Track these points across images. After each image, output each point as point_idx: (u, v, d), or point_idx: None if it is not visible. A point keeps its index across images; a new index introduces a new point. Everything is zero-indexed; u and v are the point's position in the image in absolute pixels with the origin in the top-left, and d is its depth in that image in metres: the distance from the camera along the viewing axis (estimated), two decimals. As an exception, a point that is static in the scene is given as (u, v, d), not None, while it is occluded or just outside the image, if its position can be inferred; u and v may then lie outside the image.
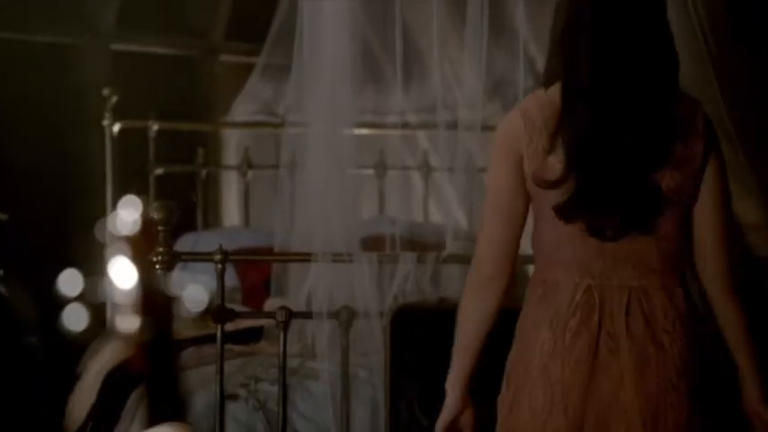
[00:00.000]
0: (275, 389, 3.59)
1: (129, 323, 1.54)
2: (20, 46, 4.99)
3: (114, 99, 5.12)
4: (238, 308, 4.17)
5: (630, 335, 2.64)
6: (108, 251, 1.54)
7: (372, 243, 3.98)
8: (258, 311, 4.20)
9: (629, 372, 2.64)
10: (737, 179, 3.98)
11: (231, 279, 4.60)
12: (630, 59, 2.60)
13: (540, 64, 4.50)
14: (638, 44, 2.61)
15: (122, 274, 1.52)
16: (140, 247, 1.54)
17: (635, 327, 2.65)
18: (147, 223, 1.55)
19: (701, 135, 2.66)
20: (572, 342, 2.64)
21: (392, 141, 5.35)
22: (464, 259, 3.72)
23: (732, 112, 3.88)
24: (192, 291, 1.62)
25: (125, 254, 1.53)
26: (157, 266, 3.38)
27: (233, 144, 5.63)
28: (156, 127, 5.25)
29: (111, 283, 1.54)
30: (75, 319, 1.54)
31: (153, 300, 1.54)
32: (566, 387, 2.64)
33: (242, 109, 5.38)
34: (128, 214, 1.55)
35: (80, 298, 1.59)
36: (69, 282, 1.58)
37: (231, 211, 5.69)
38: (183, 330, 4.01)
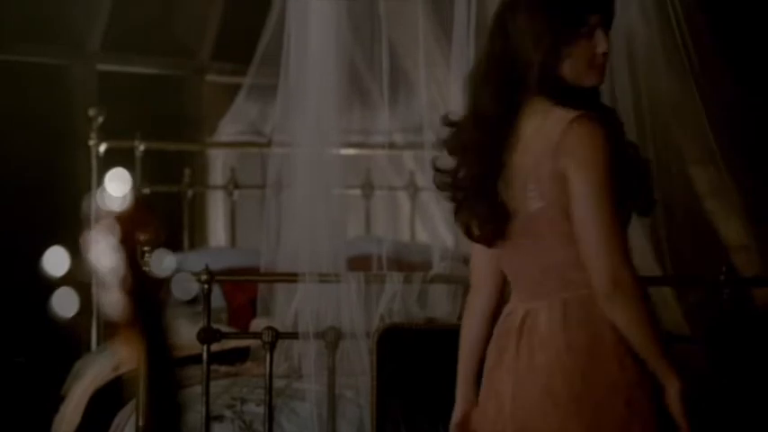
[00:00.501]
0: (261, 410, 3.58)
1: (116, 305, 1.43)
2: (5, 66, 4.99)
3: (100, 119, 5.11)
4: (224, 328, 4.16)
5: (516, 357, 2.75)
6: (93, 229, 1.42)
7: (358, 263, 3.97)
8: (244, 332, 4.19)
9: (507, 395, 2.74)
10: (722, 199, 3.99)
11: (217, 299, 4.59)
12: (481, 85, 2.79)
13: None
14: (488, 71, 2.78)
15: (108, 253, 1.41)
16: (129, 226, 1.43)
17: (521, 348, 2.74)
18: (137, 200, 1.43)
19: (558, 153, 2.68)
20: (487, 366, 2.83)
21: (379, 161, 5.36)
22: (451, 279, 3.73)
23: (716, 129, 3.89)
24: (182, 278, 1.51)
25: (112, 232, 1.41)
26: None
27: (219, 164, 5.63)
28: (142, 147, 5.24)
29: (96, 264, 1.42)
30: (64, 303, 1.43)
31: (142, 281, 1.44)
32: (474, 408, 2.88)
33: (229, 129, 5.38)
34: (116, 189, 1.43)
35: (66, 282, 1.47)
36: (55, 265, 1.46)
37: (217, 231, 5.68)
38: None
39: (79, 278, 1.42)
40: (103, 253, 1.40)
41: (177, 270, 1.48)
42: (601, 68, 2.76)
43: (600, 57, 2.74)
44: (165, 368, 1.48)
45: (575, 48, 2.74)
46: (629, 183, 2.75)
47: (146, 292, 1.42)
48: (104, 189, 1.43)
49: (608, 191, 2.68)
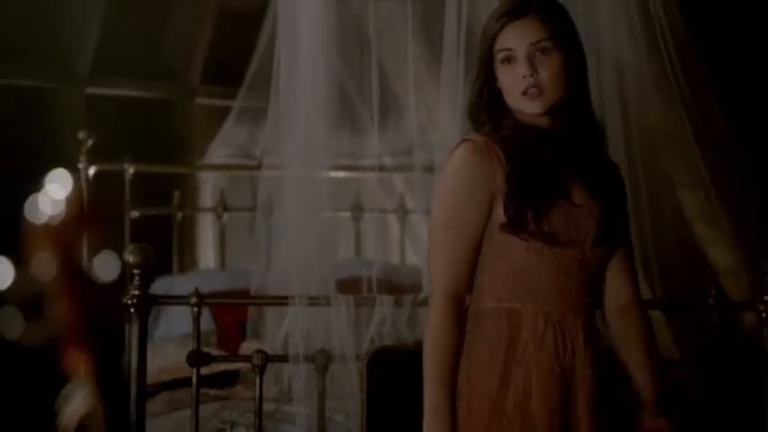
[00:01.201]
0: (251, 433, 3.57)
1: (60, 315, 1.35)
2: (-5, 89, 4.99)
3: (90, 142, 5.12)
4: (214, 351, 4.15)
5: None
6: (33, 235, 1.34)
7: (348, 285, 3.97)
8: (234, 355, 4.18)
9: None
10: (711, 224, 4.00)
11: (207, 322, 4.58)
12: None
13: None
14: None
15: (49, 261, 1.32)
16: (70, 230, 1.34)
17: None
18: (80, 201, 1.35)
19: None
20: None
21: (368, 184, 5.36)
22: (441, 302, 3.72)
23: (705, 154, 3.90)
24: (104, 257, 1.41)
25: (45, 239, 1.33)
26: (132, 308, 3.36)
27: (209, 187, 5.63)
28: (131, 170, 5.24)
29: (37, 273, 1.34)
30: (9, 323, 1.35)
31: (80, 289, 1.36)
32: None
33: (218, 151, 5.38)
34: (57, 191, 1.36)
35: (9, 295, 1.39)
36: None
37: (207, 254, 5.67)
38: (156, 374, 3.99)
39: (25, 290, 1.35)
40: (44, 261, 1.32)
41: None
42: (530, 94, 2.73)
43: (524, 82, 2.72)
44: (116, 384, 1.41)
45: (503, 76, 2.77)
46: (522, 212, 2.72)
47: (91, 300, 1.35)
48: (45, 192, 1.36)
49: (442, 214, 2.74)
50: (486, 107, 2.79)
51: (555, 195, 2.72)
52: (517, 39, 2.74)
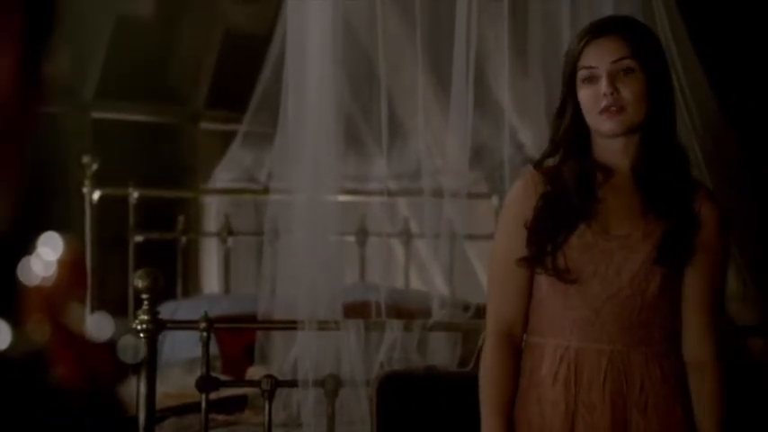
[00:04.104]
0: (260, 458, 3.54)
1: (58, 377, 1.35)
2: None
3: (94, 166, 5.11)
4: (219, 376, 4.13)
5: None
6: (26, 298, 1.33)
7: (355, 309, 3.95)
8: (242, 380, 4.16)
9: None
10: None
11: (211, 347, 4.56)
12: None
13: (522, 134, 4.54)
14: None
15: (43, 323, 1.31)
16: (55, 295, 1.33)
17: None
18: (71, 262, 1.36)
19: None
20: None
21: (372, 208, 5.36)
22: (451, 327, 3.71)
23: (716, 182, 3.90)
24: (127, 341, 1.41)
25: (38, 301, 1.32)
26: (141, 331, 3.35)
27: (213, 211, 5.62)
28: (136, 194, 5.23)
29: (33, 335, 1.36)
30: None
31: (74, 348, 1.35)
32: None
33: (223, 176, 5.38)
34: (48, 253, 1.34)
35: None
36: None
37: (211, 279, 5.66)
38: (160, 400, 3.97)
39: (21, 350, 1.34)
40: (38, 323, 1.33)
41: (119, 332, 1.40)
42: (610, 112, 2.66)
43: (603, 100, 2.65)
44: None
45: (583, 95, 2.70)
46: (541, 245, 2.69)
47: (86, 359, 1.34)
48: (37, 254, 1.36)
49: (496, 247, 2.77)
50: (568, 128, 2.73)
51: (573, 229, 2.67)
52: (599, 57, 2.67)
